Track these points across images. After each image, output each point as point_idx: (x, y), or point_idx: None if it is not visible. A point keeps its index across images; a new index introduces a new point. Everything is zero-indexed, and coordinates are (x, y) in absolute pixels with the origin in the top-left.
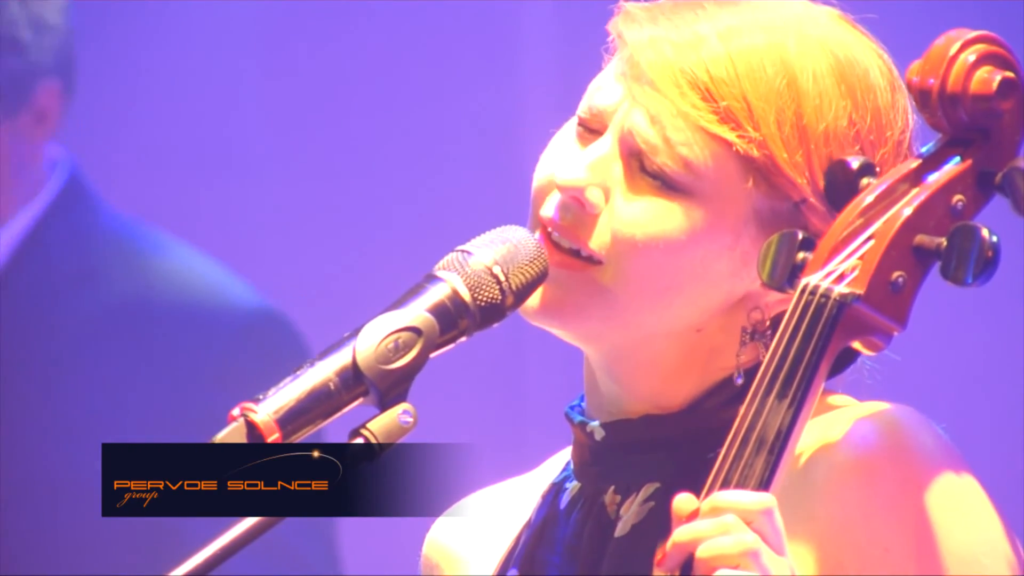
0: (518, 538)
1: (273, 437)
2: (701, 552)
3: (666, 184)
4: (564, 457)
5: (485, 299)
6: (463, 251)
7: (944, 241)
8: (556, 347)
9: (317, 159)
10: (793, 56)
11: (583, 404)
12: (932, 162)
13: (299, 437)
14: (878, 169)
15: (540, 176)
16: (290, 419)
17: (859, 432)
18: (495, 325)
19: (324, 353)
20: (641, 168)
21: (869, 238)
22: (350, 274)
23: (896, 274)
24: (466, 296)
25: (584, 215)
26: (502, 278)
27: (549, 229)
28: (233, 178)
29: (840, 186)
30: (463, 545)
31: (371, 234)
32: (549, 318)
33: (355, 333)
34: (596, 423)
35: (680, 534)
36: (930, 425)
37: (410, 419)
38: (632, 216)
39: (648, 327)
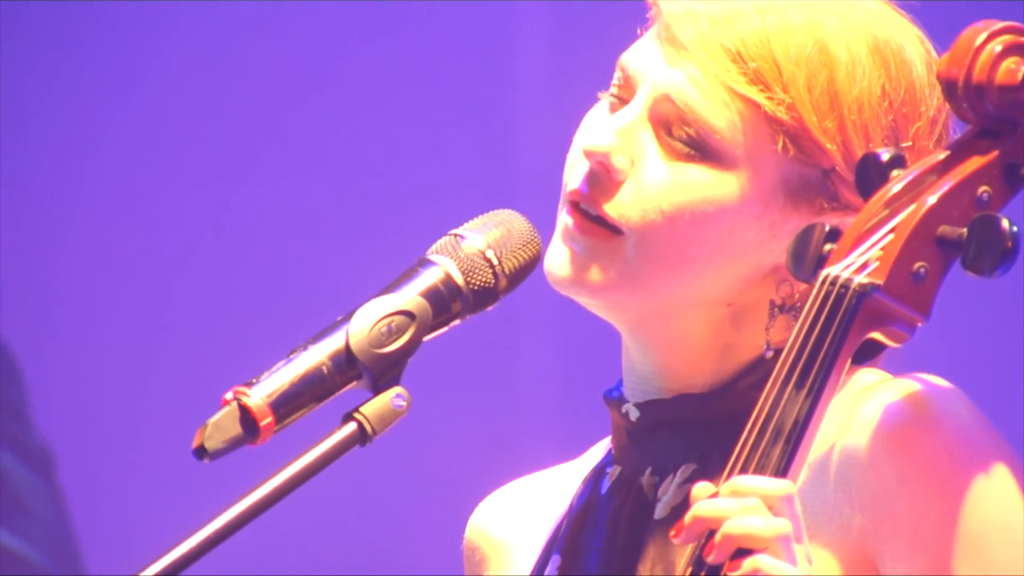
0: (560, 524)
1: (266, 421)
2: (729, 528)
3: (695, 149)
4: (608, 443)
5: (478, 283)
6: (456, 235)
7: (965, 231)
8: (549, 329)
9: (309, 156)
10: (828, 30)
11: (622, 388)
12: (959, 153)
13: (292, 421)
14: (925, 151)
15: (571, 151)
16: (283, 403)
17: (893, 404)
18: (489, 309)
19: (317, 337)
20: (669, 133)
21: (892, 229)
22: (346, 266)
23: (918, 264)
24: (459, 280)
25: (610, 182)
26: (495, 262)
27: (576, 200)
28: (229, 172)
29: (870, 178)
30: (505, 531)
31: (365, 228)
32: (576, 287)
33: (348, 317)
34: (631, 404)
35: (702, 508)
36: (963, 397)
37: (403, 403)
38: (659, 184)
39: (675, 297)
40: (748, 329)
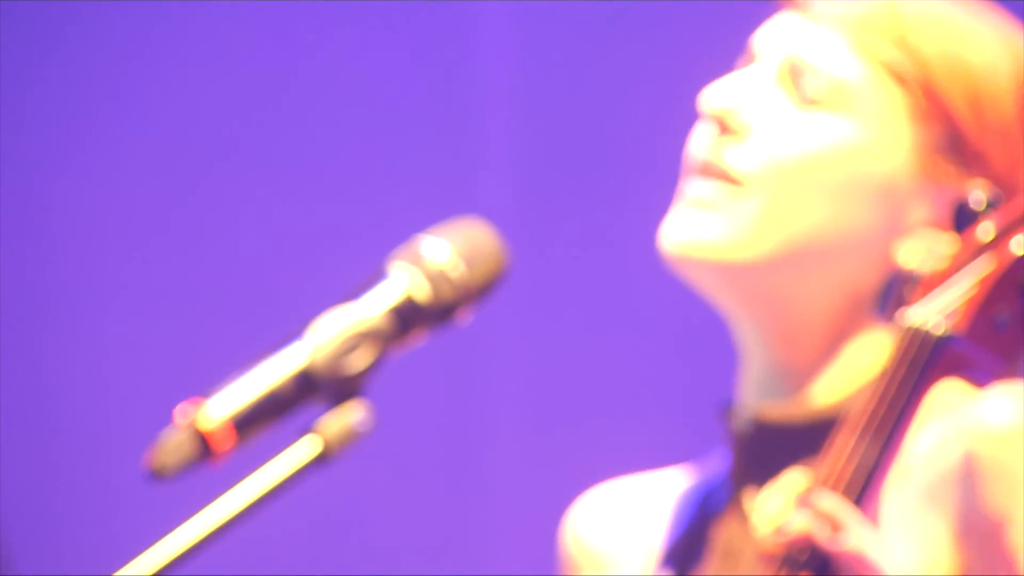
0: (671, 537)
1: (222, 439)
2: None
3: (817, 104)
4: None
5: (443, 297)
6: (420, 246)
7: None
8: (517, 342)
9: (271, 160)
10: (959, 11)
11: (735, 401)
12: None
13: (250, 438)
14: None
15: (696, 127)
16: (240, 419)
17: (991, 413)
18: (454, 324)
19: (275, 349)
20: (791, 88)
21: (976, 275)
22: (305, 275)
23: (1001, 313)
24: (423, 294)
25: (730, 140)
26: (460, 275)
27: (695, 170)
28: (184, 175)
29: (962, 222)
30: (600, 540)
31: (325, 235)
32: (688, 248)
33: (307, 329)
34: (740, 416)
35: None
36: None
37: (365, 419)
38: (779, 138)
39: (793, 265)
40: (871, 342)
